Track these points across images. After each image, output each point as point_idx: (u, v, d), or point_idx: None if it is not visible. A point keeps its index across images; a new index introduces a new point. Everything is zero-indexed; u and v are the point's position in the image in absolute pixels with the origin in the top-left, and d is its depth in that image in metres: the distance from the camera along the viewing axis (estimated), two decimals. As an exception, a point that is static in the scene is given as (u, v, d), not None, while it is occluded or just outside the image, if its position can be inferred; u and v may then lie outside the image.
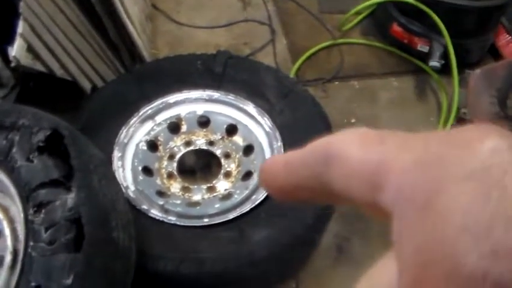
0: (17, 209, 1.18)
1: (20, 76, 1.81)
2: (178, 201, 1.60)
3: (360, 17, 2.65)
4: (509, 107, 2.01)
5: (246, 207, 1.54)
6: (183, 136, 1.76)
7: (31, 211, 1.13)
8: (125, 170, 1.63)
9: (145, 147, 1.70)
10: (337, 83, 2.41)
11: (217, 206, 1.58)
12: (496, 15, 2.37)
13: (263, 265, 1.45)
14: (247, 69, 1.85)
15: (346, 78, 2.44)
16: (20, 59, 1.55)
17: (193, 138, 1.76)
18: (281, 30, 2.60)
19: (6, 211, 1.22)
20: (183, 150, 1.74)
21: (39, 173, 1.18)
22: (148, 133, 1.73)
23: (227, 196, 1.62)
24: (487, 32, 2.42)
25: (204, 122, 1.79)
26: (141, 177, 1.63)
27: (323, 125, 1.70)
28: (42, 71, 1.70)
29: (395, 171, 0.24)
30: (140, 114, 1.73)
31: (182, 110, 1.78)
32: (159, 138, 1.74)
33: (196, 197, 1.64)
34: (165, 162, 1.71)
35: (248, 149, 1.72)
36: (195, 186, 1.67)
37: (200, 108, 1.79)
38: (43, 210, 1.13)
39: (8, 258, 1.14)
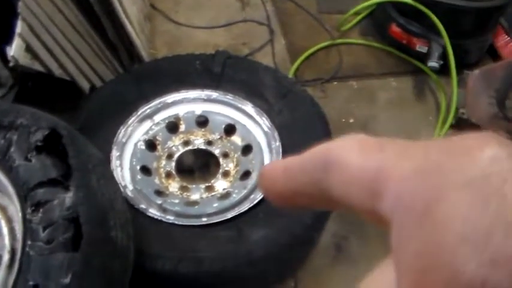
0: (15, 208, 1.18)
1: (18, 76, 1.81)
2: (177, 201, 1.60)
3: (359, 17, 2.65)
4: (507, 107, 2.01)
5: (244, 207, 1.54)
6: (181, 136, 1.76)
7: (29, 210, 1.13)
8: (123, 169, 1.63)
9: (143, 147, 1.70)
10: (335, 83, 2.42)
11: (215, 205, 1.58)
12: (495, 16, 2.37)
13: (261, 264, 1.45)
14: (245, 69, 1.85)
15: (345, 78, 2.44)
16: (19, 58, 1.55)
17: (192, 137, 1.77)
18: (280, 31, 2.60)
19: (4, 210, 1.22)
20: (182, 150, 1.74)
21: (37, 172, 1.17)
22: (146, 132, 1.73)
23: (225, 195, 1.62)
24: (486, 32, 2.43)
25: (202, 121, 1.79)
26: (139, 177, 1.63)
27: (321, 125, 1.70)
28: (40, 70, 1.70)
29: (394, 179, 0.24)
30: (138, 113, 1.73)
31: (180, 110, 1.78)
32: (157, 137, 1.74)
33: (195, 197, 1.64)
34: (163, 162, 1.71)
35: (246, 149, 1.72)
36: (194, 186, 1.67)
37: (198, 108, 1.79)
38: (41, 210, 1.13)
39: (6, 257, 1.14)
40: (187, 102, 1.79)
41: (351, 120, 2.26)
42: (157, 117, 1.76)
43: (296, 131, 1.68)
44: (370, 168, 0.25)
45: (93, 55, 1.94)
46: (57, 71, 1.77)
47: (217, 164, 1.73)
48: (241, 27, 2.60)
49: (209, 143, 1.76)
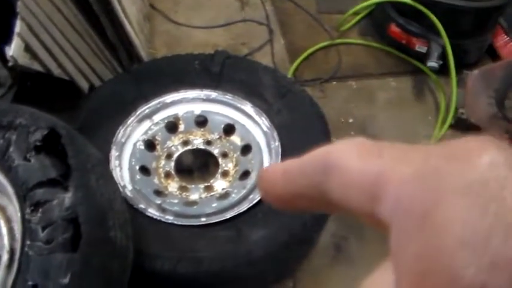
0: (14, 208, 1.17)
1: (17, 76, 1.81)
2: (176, 201, 1.60)
3: (358, 17, 2.65)
4: (507, 107, 2.01)
5: (244, 207, 1.54)
6: (180, 135, 1.76)
7: (28, 210, 1.13)
8: (122, 169, 1.63)
9: (142, 147, 1.70)
10: (334, 83, 2.41)
11: (214, 205, 1.58)
12: (494, 16, 2.37)
13: (260, 264, 1.45)
14: (245, 69, 1.85)
15: (344, 78, 2.44)
16: (18, 58, 1.55)
17: (191, 137, 1.76)
18: (279, 30, 2.60)
19: (3, 210, 1.22)
20: (181, 150, 1.74)
21: (36, 172, 1.17)
22: (145, 132, 1.73)
23: (224, 195, 1.62)
24: (485, 32, 2.43)
25: (201, 121, 1.79)
26: (138, 177, 1.63)
27: (320, 125, 1.70)
28: (39, 70, 1.70)
29: (393, 183, 0.24)
30: (138, 113, 1.72)
31: (180, 110, 1.78)
32: (156, 137, 1.74)
33: (194, 196, 1.64)
34: (162, 162, 1.71)
35: (246, 149, 1.72)
36: (193, 186, 1.67)
37: (198, 108, 1.79)
38: (40, 210, 1.13)
39: (5, 257, 1.14)
40: (186, 102, 1.79)
41: (350, 120, 2.26)
42: (157, 117, 1.76)
43: (295, 131, 1.68)
44: (369, 172, 0.25)
45: (92, 55, 1.94)
46: (56, 71, 1.77)
47: (217, 164, 1.73)
48: (240, 27, 2.60)
49: (208, 142, 1.76)
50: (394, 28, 2.45)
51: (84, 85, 1.91)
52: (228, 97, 1.78)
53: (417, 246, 0.22)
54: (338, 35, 2.59)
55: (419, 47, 2.38)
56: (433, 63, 2.27)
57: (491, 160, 0.22)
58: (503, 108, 1.99)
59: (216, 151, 1.74)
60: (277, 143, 1.67)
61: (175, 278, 1.39)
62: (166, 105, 1.77)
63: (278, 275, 1.67)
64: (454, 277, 0.20)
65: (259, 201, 1.53)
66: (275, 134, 1.69)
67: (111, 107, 1.72)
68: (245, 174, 1.67)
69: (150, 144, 1.72)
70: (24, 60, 1.60)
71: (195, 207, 1.60)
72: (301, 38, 2.57)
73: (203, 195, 1.64)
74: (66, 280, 1.05)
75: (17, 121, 1.24)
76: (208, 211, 1.56)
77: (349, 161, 0.26)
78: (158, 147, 1.73)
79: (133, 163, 1.66)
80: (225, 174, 1.69)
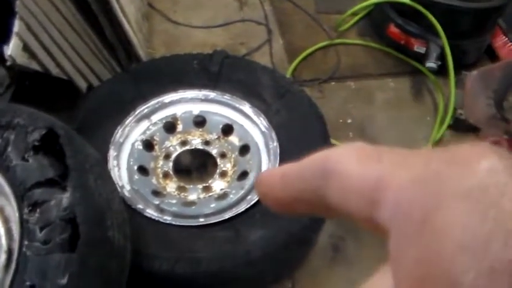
0: (11, 209, 1.17)
1: (15, 75, 1.81)
2: (174, 201, 1.60)
3: (357, 17, 2.65)
4: (505, 108, 2.01)
5: (242, 207, 1.54)
6: (178, 136, 1.76)
7: (26, 210, 1.13)
8: (120, 169, 1.63)
9: (141, 147, 1.70)
10: (333, 83, 2.41)
11: (212, 205, 1.58)
12: (493, 17, 2.37)
13: (259, 265, 1.45)
14: (243, 69, 1.85)
15: (343, 78, 2.44)
16: (16, 58, 1.55)
17: (189, 137, 1.76)
18: (278, 30, 2.60)
19: (1, 210, 1.21)
20: (179, 150, 1.74)
21: (35, 172, 1.17)
22: (144, 132, 1.73)
23: (223, 196, 1.62)
24: (484, 33, 2.43)
25: (200, 121, 1.79)
26: (136, 177, 1.63)
27: (319, 126, 1.70)
28: (38, 70, 1.70)
29: (392, 188, 0.24)
30: (136, 113, 1.72)
31: (178, 110, 1.78)
32: (154, 137, 1.73)
33: (192, 197, 1.63)
34: (160, 162, 1.70)
35: (244, 149, 1.72)
36: (191, 186, 1.67)
37: (196, 108, 1.79)
38: (38, 210, 1.12)
39: (3, 257, 1.13)
40: (184, 102, 1.79)
41: (349, 121, 2.26)
42: (155, 117, 1.75)
43: (294, 131, 1.68)
44: (368, 177, 0.25)
45: (91, 54, 1.94)
46: (55, 70, 1.77)
47: (215, 164, 1.72)
48: (239, 27, 2.60)
49: (206, 143, 1.76)
50: (392, 28, 2.45)
51: (82, 85, 1.90)
52: (226, 97, 1.78)
53: (417, 251, 0.22)
54: (337, 35, 2.59)
55: (418, 48, 2.38)
56: (431, 63, 2.27)
57: (491, 166, 0.22)
58: (501, 109, 1.99)
59: (214, 151, 1.74)
60: (276, 144, 1.67)
61: (174, 278, 1.39)
62: (164, 105, 1.76)
63: (276, 275, 1.66)
64: (454, 282, 0.20)
65: (258, 202, 1.53)
66: (273, 134, 1.69)
67: (110, 107, 1.72)
68: (243, 175, 1.67)
69: (148, 144, 1.72)
70: (22, 59, 1.60)
71: (193, 207, 1.59)
72: (299, 38, 2.57)
73: (201, 196, 1.64)
74: (64, 280, 1.05)
75: (15, 121, 1.24)
76: (206, 211, 1.56)
77: (348, 165, 0.26)
78: (156, 147, 1.73)
79: (131, 163, 1.65)
80: (223, 174, 1.69)
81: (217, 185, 1.67)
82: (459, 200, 0.22)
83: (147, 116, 1.74)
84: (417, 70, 2.45)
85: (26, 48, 1.61)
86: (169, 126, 1.77)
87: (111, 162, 1.62)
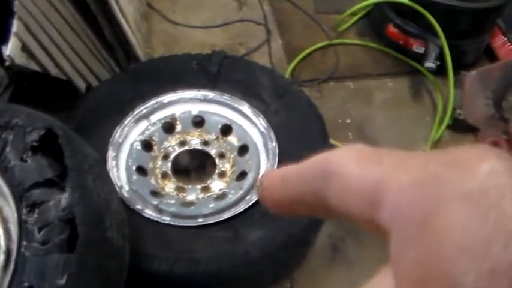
0: (10, 209, 1.17)
1: (14, 75, 1.80)
2: (173, 201, 1.60)
3: (356, 17, 2.65)
4: (504, 108, 2.01)
5: (241, 207, 1.54)
6: (177, 136, 1.76)
7: (24, 211, 1.13)
8: (119, 169, 1.63)
9: (139, 147, 1.70)
10: (332, 83, 2.41)
11: (211, 206, 1.58)
12: (492, 17, 2.37)
13: (258, 265, 1.45)
14: (242, 69, 1.85)
15: (342, 78, 2.44)
16: (15, 58, 1.55)
17: (188, 138, 1.76)
18: (276, 30, 2.60)
19: (-1, 211, 1.22)
20: (178, 150, 1.74)
21: (33, 173, 1.17)
22: (142, 133, 1.73)
23: (222, 196, 1.62)
24: (483, 33, 2.43)
25: (198, 122, 1.78)
26: (135, 177, 1.63)
27: (318, 126, 1.70)
28: (36, 70, 1.70)
29: (393, 189, 0.24)
30: (135, 113, 1.72)
31: (177, 110, 1.78)
32: (153, 138, 1.73)
33: (191, 197, 1.63)
34: (159, 162, 1.70)
35: (243, 149, 1.72)
36: (190, 186, 1.67)
37: (195, 108, 1.79)
38: (36, 210, 1.12)
39: (1, 258, 1.13)
40: (183, 102, 1.79)
41: (348, 121, 2.26)
42: (154, 118, 1.75)
43: (292, 132, 1.68)
44: (369, 179, 0.25)
45: (90, 54, 1.94)
46: (53, 71, 1.76)
47: (214, 165, 1.72)
48: (238, 27, 2.60)
49: (205, 143, 1.75)
50: (391, 28, 2.45)
51: (81, 85, 1.90)
52: (225, 97, 1.78)
53: (417, 253, 0.22)
54: (336, 35, 2.59)
55: (417, 48, 2.38)
56: (430, 63, 2.27)
57: (491, 168, 0.22)
58: (500, 109, 1.99)
59: (213, 152, 1.74)
60: (275, 144, 1.67)
61: (172, 278, 1.39)
62: (163, 106, 1.76)
63: (275, 275, 1.66)
64: (454, 284, 0.20)
65: (256, 202, 1.53)
66: (272, 134, 1.69)
67: (108, 107, 1.72)
68: (242, 175, 1.66)
69: (147, 145, 1.72)
70: (21, 59, 1.60)
71: (192, 207, 1.59)
72: (298, 38, 2.57)
73: (200, 196, 1.64)
74: (62, 281, 1.05)
75: (13, 121, 1.24)
76: (205, 212, 1.56)
77: (348, 167, 0.26)
78: (155, 147, 1.73)
79: (130, 163, 1.65)
80: (222, 174, 1.69)
81: (216, 185, 1.67)
82: (459, 202, 0.22)
83: (145, 116, 1.74)
84: (416, 70, 2.45)
85: (24, 48, 1.61)
86: (168, 127, 1.76)
87: (110, 163, 1.62)
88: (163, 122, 1.76)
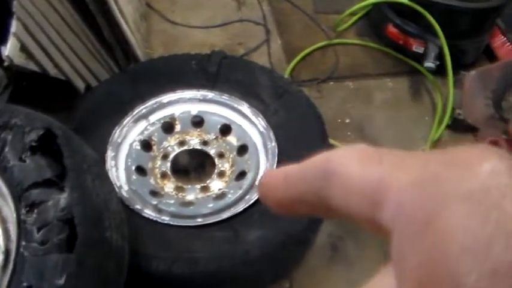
0: (9, 209, 1.17)
1: (13, 75, 1.80)
2: (172, 201, 1.60)
3: (355, 17, 2.65)
4: (504, 108, 2.01)
5: (240, 207, 1.54)
6: (176, 136, 1.76)
7: (23, 211, 1.12)
8: (118, 169, 1.63)
9: (139, 147, 1.70)
10: (332, 83, 2.41)
11: (210, 205, 1.58)
12: (492, 17, 2.37)
13: (257, 265, 1.44)
14: (241, 69, 1.85)
15: (341, 78, 2.44)
16: (13, 58, 1.55)
17: (187, 138, 1.76)
18: (276, 30, 2.60)
19: (-2, 211, 1.21)
20: (177, 150, 1.74)
21: (32, 173, 1.17)
22: (142, 133, 1.72)
23: (221, 196, 1.62)
24: (482, 33, 2.43)
25: (198, 121, 1.78)
26: (134, 177, 1.63)
27: (317, 126, 1.70)
28: (35, 70, 1.70)
29: (394, 189, 0.24)
30: (134, 113, 1.72)
31: (176, 110, 1.78)
32: (152, 137, 1.73)
33: (190, 197, 1.63)
34: (158, 162, 1.70)
35: (242, 149, 1.72)
36: (189, 186, 1.66)
37: (194, 108, 1.79)
38: (35, 210, 1.12)
39: (0, 258, 1.13)
40: (183, 102, 1.78)
41: (347, 121, 2.26)
42: (153, 117, 1.75)
43: (292, 131, 1.68)
44: (370, 179, 0.25)
45: (89, 54, 1.94)
46: (52, 71, 1.76)
47: (213, 164, 1.72)
48: (237, 27, 2.60)
49: (205, 143, 1.75)
50: (391, 28, 2.45)
51: (80, 85, 1.90)
52: (224, 97, 1.78)
53: (419, 253, 0.22)
54: (335, 35, 2.59)
55: (417, 48, 2.38)
56: (430, 63, 2.27)
57: (492, 168, 0.22)
58: (500, 109, 1.99)
59: (212, 151, 1.74)
60: (274, 144, 1.67)
61: (171, 278, 1.39)
62: (162, 106, 1.76)
63: (275, 275, 1.66)
64: (456, 284, 0.20)
65: (256, 202, 1.53)
66: (271, 134, 1.69)
67: (108, 107, 1.72)
68: (241, 175, 1.66)
69: (146, 145, 1.72)
70: (19, 60, 1.59)
71: (191, 207, 1.59)
72: (298, 38, 2.57)
73: (199, 196, 1.63)
74: (61, 281, 1.04)
75: (12, 121, 1.24)
76: (204, 212, 1.56)
77: (349, 167, 0.26)
78: (154, 147, 1.73)
79: (129, 163, 1.65)
80: (221, 174, 1.69)
81: (215, 185, 1.67)
82: (460, 202, 0.22)
83: (145, 116, 1.74)
84: (415, 70, 2.45)
85: (23, 48, 1.61)
86: (167, 127, 1.76)
87: (109, 163, 1.61)
88: (162, 122, 1.75)
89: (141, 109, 1.73)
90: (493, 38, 2.50)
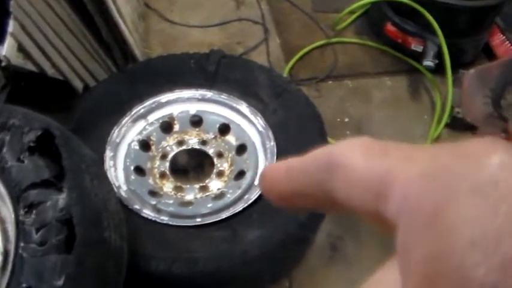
0: (7, 210, 1.17)
1: (10, 76, 1.80)
2: (171, 201, 1.60)
3: (354, 16, 2.64)
4: (503, 107, 2.01)
5: (239, 207, 1.54)
6: (175, 135, 1.76)
7: (22, 212, 1.12)
8: (117, 169, 1.63)
9: (137, 147, 1.69)
10: (330, 82, 2.41)
11: (209, 205, 1.58)
12: (491, 15, 2.37)
13: (256, 264, 1.44)
14: (240, 68, 1.84)
15: (340, 77, 2.43)
16: (11, 58, 1.54)
17: (186, 137, 1.76)
18: (274, 29, 2.59)
19: (-4, 211, 1.21)
20: (176, 150, 1.73)
21: (30, 174, 1.17)
22: (140, 132, 1.72)
23: (220, 196, 1.62)
24: (481, 31, 2.43)
25: (196, 121, 1.78)
26: (133, 177, 1.62)
27: (316, 125, 1.70)
28: (33, 70, 1.69)
29: (400, 181, 0.24)
30: (132, 113, 1.72)
31: (175, 110, 1.77)
32: (151, 137, 1.73)
33: (189, 197, 1.63)
34: (157, 162, 1.70)
35: (241, 149, 1.72)
36: (188, 186, 1.66)
37: (193, 108, 1.79)
38: (34, 211, 1.12)
39: (-1, 259, 1.13)
40: (181, 102, 1.78)
41: (346, 120, 2.26)
42: (151, 117, 1.75)
43: (291, 131, 1.68)
44: (375, 170, 0.25)
45: (87, 54, 1.93)
46: (50, 71, 1.76)
47: (212, 164, 1.72)
48: (236, 26, 2.60)
49: (203, 142, 1.75)
50: (390, 27, 2.45)
51: (78, 85, 1.90)
52: (223, 97, 1.77)
53: (426, 246, 0.22)
54: (334, 34, 2.58)
55: (415, 46, 2.38)
56: (429, 62, 2.27)
57: (501, 161, 0.22)
58: (499, 108, 1.99)
59: (211, 151, 1.73)
60: (273, 143, 1.66)
61: (171, 278, 1.39)
62: (161, 105, 1.76)
63: (274, 275, 1.66)
64: (465, 277, 0.20)
65: (255, 201, 1.53)
66: (270, 133, 1.68)
67: (106, 107, 1.72)
68: (240, 174, 1.66)
69: (144, 145, 1.72)
70: (17, 60, 1.59)
71: (190, 207, 1.59)
72: (296, 37, 2.57)
73: (198, 196, 1.63)
74: (60, 282, 1.04)
75: (10, 122, 1.23)
76: (203, 211, 1.55)
77: (353, 159, 0.26)
78: (153, 147, 1.72)
79: (128, 163, 1.65)
80: (220, 174, 1.69)
81: (214, 184, 1.67)
82: (469, 194, 0.21)
83: (143, 116, 1.74)
84: (414, 69, 2.45)
85: (21, 48, 1.61)
86: (166, 126, 1.76)
87: (108, 163, 1.61)
88: (161, 121, 1.75)
89: (139, 109, 1.73)
90: (492, 37, 2.50)
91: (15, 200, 1.14)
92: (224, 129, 1.76)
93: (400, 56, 2.49)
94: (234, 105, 1.76)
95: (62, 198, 1.13)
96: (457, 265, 0.20)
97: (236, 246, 1.44)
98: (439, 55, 2.27)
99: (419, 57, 2.35)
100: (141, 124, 1.73)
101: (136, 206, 1.53)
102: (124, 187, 1.59)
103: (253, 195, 1.54)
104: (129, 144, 1.69)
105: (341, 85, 2.41)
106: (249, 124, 1.74)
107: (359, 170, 0.26)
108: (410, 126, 2.29)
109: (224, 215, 1.52)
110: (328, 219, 1.76)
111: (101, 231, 1.17)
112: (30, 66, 1.67)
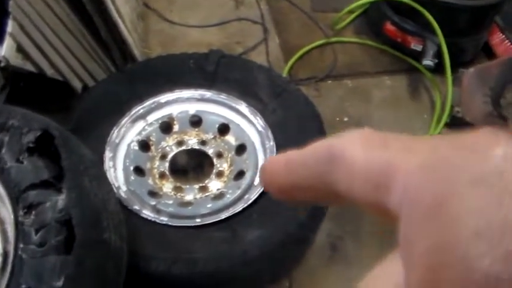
0: (6, 211, 1.16)
1: (9, 76, 1.79)
2: (171, 201, 1.59)
3: (353, 15, 2.64)
4: (502, 106, 2.00)
5: (239, 207, 1.54)
6: (175, 136, 1.76)
7: (21, 212, 1.12)
8: (116, 170, 1.62)
9: (137, 147, 1.69)
10: (330, 81, 2.41)
11: (209, 205, 1.58)
12: (490, 14, 2.37)
13: (256, 265, 1.44)
14: (239, 68, 1.84)
15: (339, 77, 2.43)
16: (10, 59, 1.54)
17: (185, 137, 1.76)
18: (274, 29, 2.59)
19: (-5, 213, 1.21)
20: (175, 150, 1.73)
21: (29, 174, 1.16)
22: (139, 133, 1.72)
23: (219, 196, 1.62)
24: (481, 30, 2.42)
25: (196, 121, 1.78)
26: (132, 178, 1.62)
27: (316, 124, 1.70)
28: (32, 71, 1.69)
29: (402, 172, 0.24)
30: (132, 114, 1.71)
31: (174, 110, 1.77)
32: (150, 138, 1.73)
33: (189, 197, 1.63)
34: (157, 162, 1.70)
35: (240, 149, 1.72)
36: (187, 186, 1.66)
37: (192, 108, 1.78)
38: (33, 212, 1.12)
39: (-2, 260, 1.13)
40: (180, 102, 1.78)
41: (345, 119, 2.26)
42: (151, 118, 1.75)
43: (290, 130, 1.68)
44: (377, 161, 0.25)
45: (86, 54, 1.93)
46: (49, 71, 1.76)
47: (211, 164, 1.72)
48: (235, 26, 2.59)
49: (203, 142, 1.75)
50: (389, 26, 2.44)
51: (77, 85, 1.89)
52: (222, 97, 1.77)
53: (429, 236, 0.22)
54: (333, 33, 2.58)
55: (415, 45, 2.37)
56: (428, 61, 2.26)
57: (504, 153, 0.22)
58: (498, 107, 1.98)
59: (210, 151, 1.73)
60: (272, 143, 1.66)
61: (170, 279, 1.39)
62: (160, 105, 1.76)
63: (274, 275, 1.66)
64: (469, 268, 0.20)
65: (254, 202, 1.53)
66: (270, 133, 1.68)
67: (105, 108, 1.71)
68: (240, 174, 1.66)
69: (144, 145, 1.71)
70: (16, 60, 1.59)
71: (189, 208, 1.59)
72: (296, 36, 2.57)
73: (198, 196, 1.63)
74: (59, 283, 1.04)
75: (9, 122, 1.23)
76: (203, 212, 1.55)
77: (354, 151, 0.26)
78: (152, 147, 1.72)
79: (127, 164, 1.65)
80: (219, 174, 1.69)
81: (214, 185, 1.66)
82: (473, 185, 0.21)
83: (142, 116, 1.73)
84: (414, 68, 2.44)
85: (20, 49, 1.60)
86: (166, 127, 1.76)
87: (107, 163, 1.61)
88: (160, 122, 1.75)
89: (138, 109, 1.73)
90: (492, 36, 2.50)
91: (15, 200, 1.14)
92: (223, 129, 1.76)
93: (400, 56, 2.48)
94: (234, 105, 1.76)
95: (61, 199, 1.13)
96: (461, 256, 0.20)
97: (236, 247, 1.44)
98: (438, 54, 2.26)
99: (418, 56, 2.35)
100: (140, 124, 1.73)
101: (136, 207, 1.53)
102: (123, 187, 1.59)
103: (253, 196, 1.54)
104: (129, 145, 1.68)
105: (340, 85, 2.40)
106: (249, 124, 1.74)
107: (359, 161, 0.25)
108: (410, 125, 2.28)
109: (224, 215, 1.52)
110: (328, 219, 1.76)
111: (100, 232, 1.16)
112: (29, 67, 1.67)
